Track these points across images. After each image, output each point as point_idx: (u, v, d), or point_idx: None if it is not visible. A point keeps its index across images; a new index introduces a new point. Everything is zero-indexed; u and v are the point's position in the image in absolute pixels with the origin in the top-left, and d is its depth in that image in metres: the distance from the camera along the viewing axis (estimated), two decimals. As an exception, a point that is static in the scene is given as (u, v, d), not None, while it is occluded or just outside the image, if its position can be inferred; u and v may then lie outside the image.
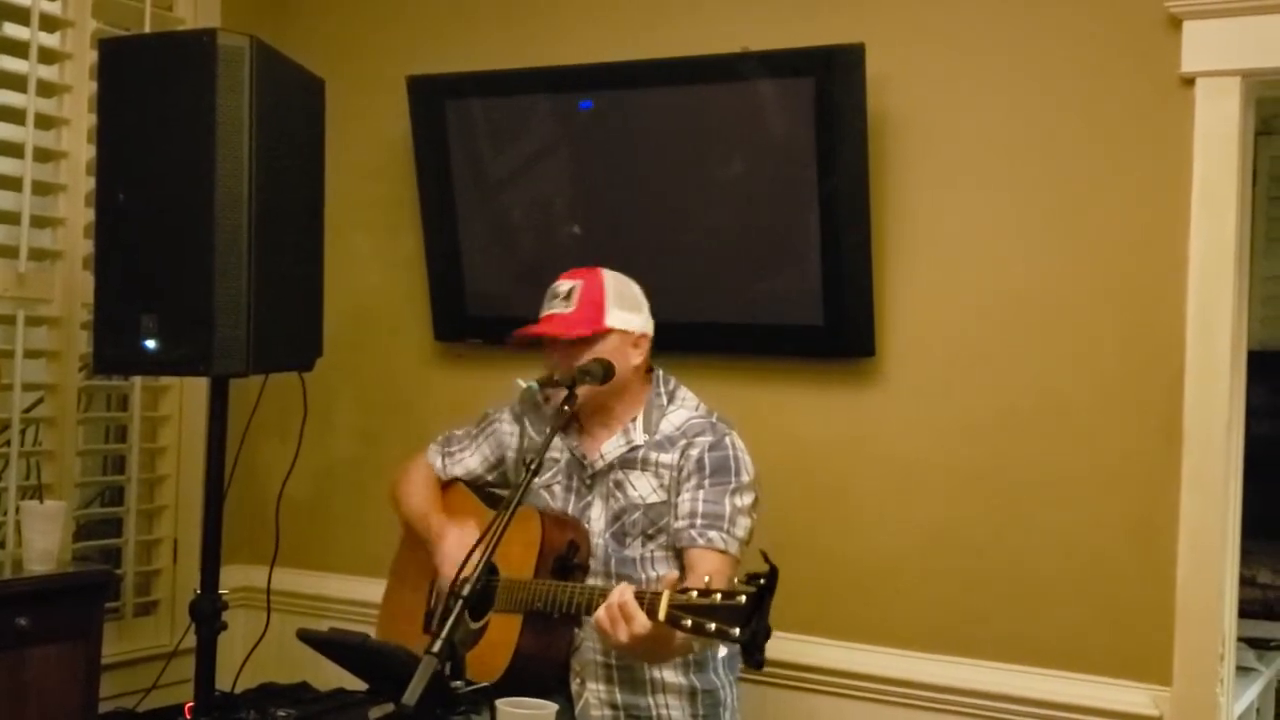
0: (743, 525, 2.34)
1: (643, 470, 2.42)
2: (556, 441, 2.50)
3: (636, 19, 3.10)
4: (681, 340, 2.69)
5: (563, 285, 2.45)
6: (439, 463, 2.67)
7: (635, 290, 2.49)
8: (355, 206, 3.37)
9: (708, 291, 2.78)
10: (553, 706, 1.96)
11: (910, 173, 2.80)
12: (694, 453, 2.39)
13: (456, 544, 2.42)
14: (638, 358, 2.46)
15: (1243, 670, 3.34)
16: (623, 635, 2.04)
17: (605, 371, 2.38)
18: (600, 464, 2.46)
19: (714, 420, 2.45)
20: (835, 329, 2.82)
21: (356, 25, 3.48)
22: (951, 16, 2.78)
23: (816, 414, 2.90)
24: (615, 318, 2.42)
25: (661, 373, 2.52)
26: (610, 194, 3.04)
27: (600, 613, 2.08)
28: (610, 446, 2.46)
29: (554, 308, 2.43)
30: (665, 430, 2.44)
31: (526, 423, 2.58)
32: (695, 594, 1.96)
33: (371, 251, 3.45)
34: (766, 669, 2.00)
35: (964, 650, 2.74)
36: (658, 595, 2.00)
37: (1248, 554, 2.84)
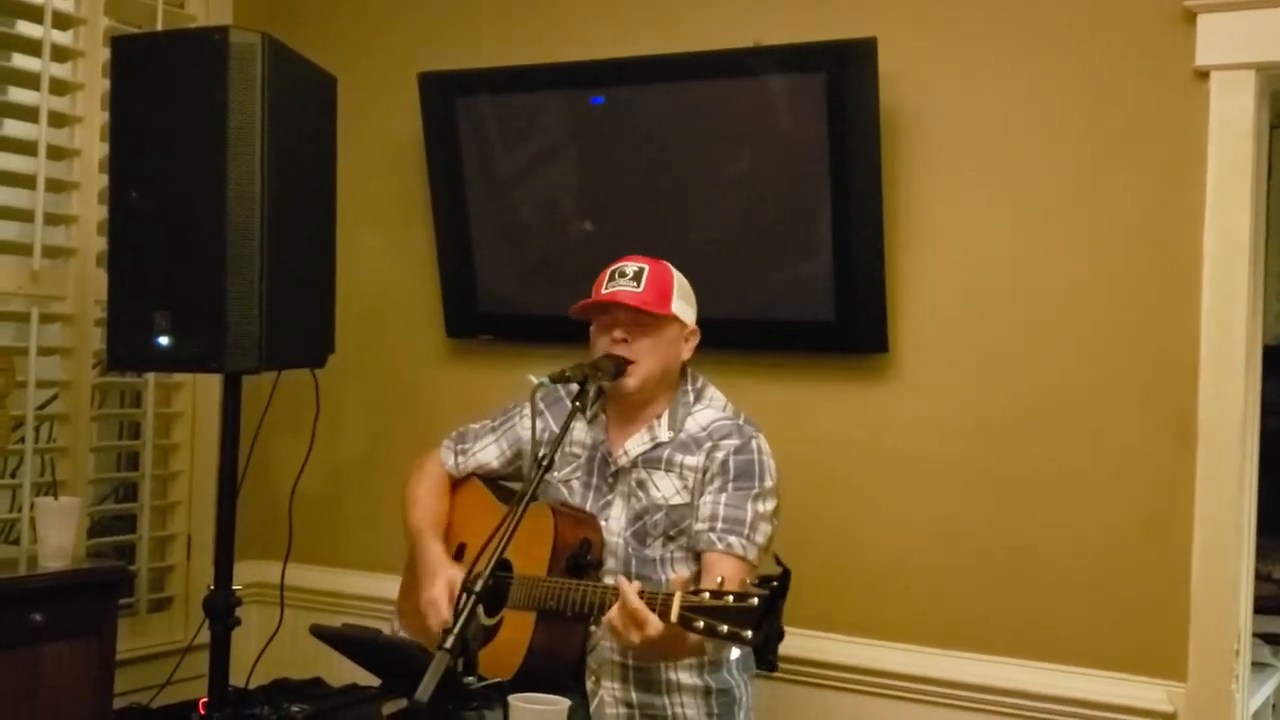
0: (763, 531, 2.34)
1: (666, 471, 2.41)
2: (578, 437, 2.51)
3: (647, 14, 3.09)
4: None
5: (629, 266, 2.42)
6: (451, 461, 2.67)
7: (689, 287, 2.49)
8: (367, 203, 3.37)
9: (719, 287, 2.76)
10: (565, 702, 1.96)
11: (922, 167, 2.80)
12: (719, 455, 2.38)
13: (443, 591, 2.38)
14: (687, 353, 2.47)
15: (1258, 666, 3.33)
16: (635, 637, 2.06)
17: (616, 368, 2.38)
18: (624, 460, 2.45)
19: (741, 422, 2.44)
20: (847, 325, 2.82)
21: (368, 22, 3.49)
22: (963, 10, 2.77)
23: (829, 410, 2.90)
24: (679, 307, 2.43)
25: (691, 370, 2.51)
26: (622, 190, 3.04)
27: (613, 614, 2.08)
28: (634, 443, 2.45)
29: (621, 285, 2.39)
30: (691, 429, 2.44)
31: (549, 417, 2.57)
32: (708, 595, 1.96)
33: (383, 248, 3.45)
34: (779, 665, 1.99)
35: (978, 646, 2.73)
36: (670, 597, 2.00)
37: (1263, 549, 2.83)
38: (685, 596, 1.98)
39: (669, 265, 2.47)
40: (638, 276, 2.40)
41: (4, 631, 2.50)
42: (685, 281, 2.48)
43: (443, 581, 2.41)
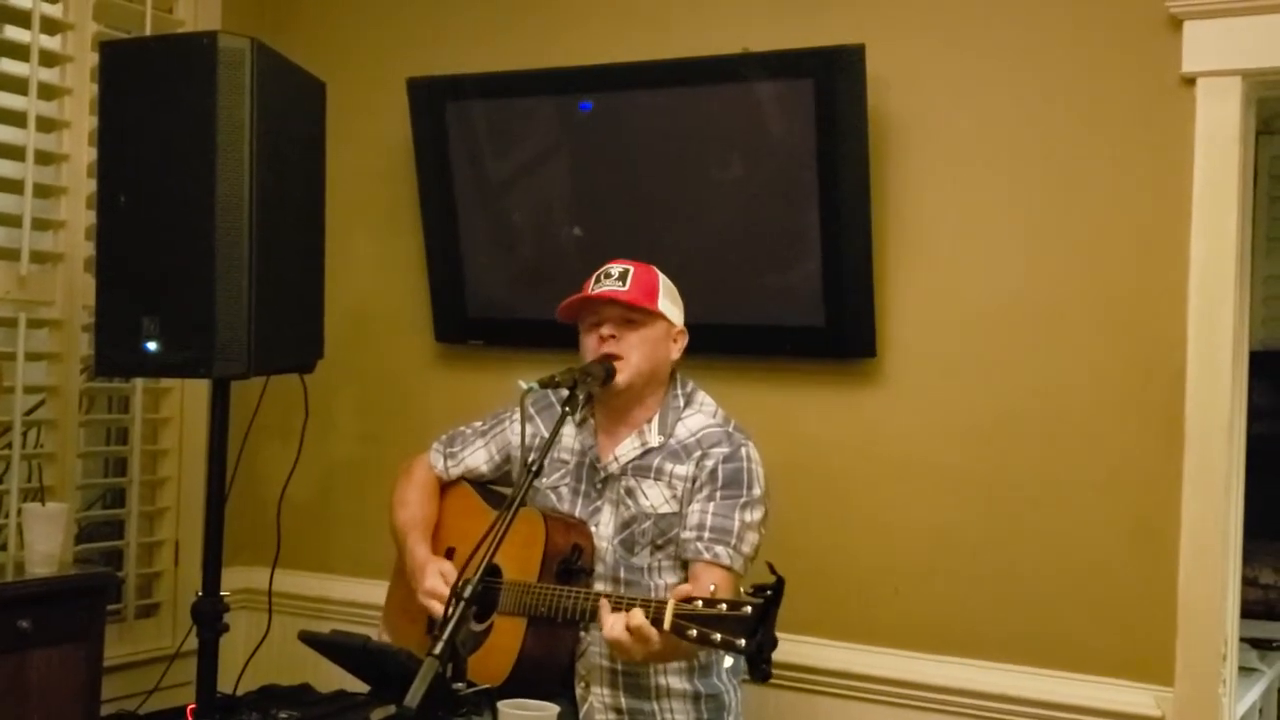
0: (749, 541, 2.34)
1: (655, 480, 2.41)
2: (567, 443, 2.50)
3: (636, 20, 3.10)
4: (683, 341, 2.69)
5: (615, 267, 2.44)
6: (440, 464, 2.66)
7: (675, 289, 2.50)
8: (356, 208, 3.37)
9: (709, 292, 2.77)
10: (554, 708, 1.96)
11: (911, 173, 2.80)
12: (709, 464, 2.38)
13: (438, 582, 2.39)
14: (676, 353, 2.48)
15: (1245, 670, 3.33)
16: (639, 654, 2.07)
17: (606, 373, 2.38)
18: (613, 466, 2.45)
19: (730, 430, 2.44)
20: (836, 330, 2.82)
21: (357, 27, 3.48)
22: (952, 17, 2.78)
23: (817, 415, 2.90)
24: (665, 305, 2.44)
25: (680, 375, 2.52)
26: (611, 195, 3.04)
27: (618, 632, 2.08)
28: (624, 449, 2.45)
29: (607, 285, 2.41)
30: (680, 435, 2.44)
31: (539, 422, 2.57)
32: (701, 604, 1.96)
33: (372, 253, 3.45)
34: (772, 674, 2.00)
35: (966, 651, 2.74)
36: (663, 605, 2.00)
37: (1249, 554, 2.83)
38: (679, 605, 1.99)
39: (654, 268, 2.48)
40: (623, 277, 2.41)
41: (-9, 638, 2.50)
42: (671, 284, 2.49)
43: (434, 573, 2.40)
